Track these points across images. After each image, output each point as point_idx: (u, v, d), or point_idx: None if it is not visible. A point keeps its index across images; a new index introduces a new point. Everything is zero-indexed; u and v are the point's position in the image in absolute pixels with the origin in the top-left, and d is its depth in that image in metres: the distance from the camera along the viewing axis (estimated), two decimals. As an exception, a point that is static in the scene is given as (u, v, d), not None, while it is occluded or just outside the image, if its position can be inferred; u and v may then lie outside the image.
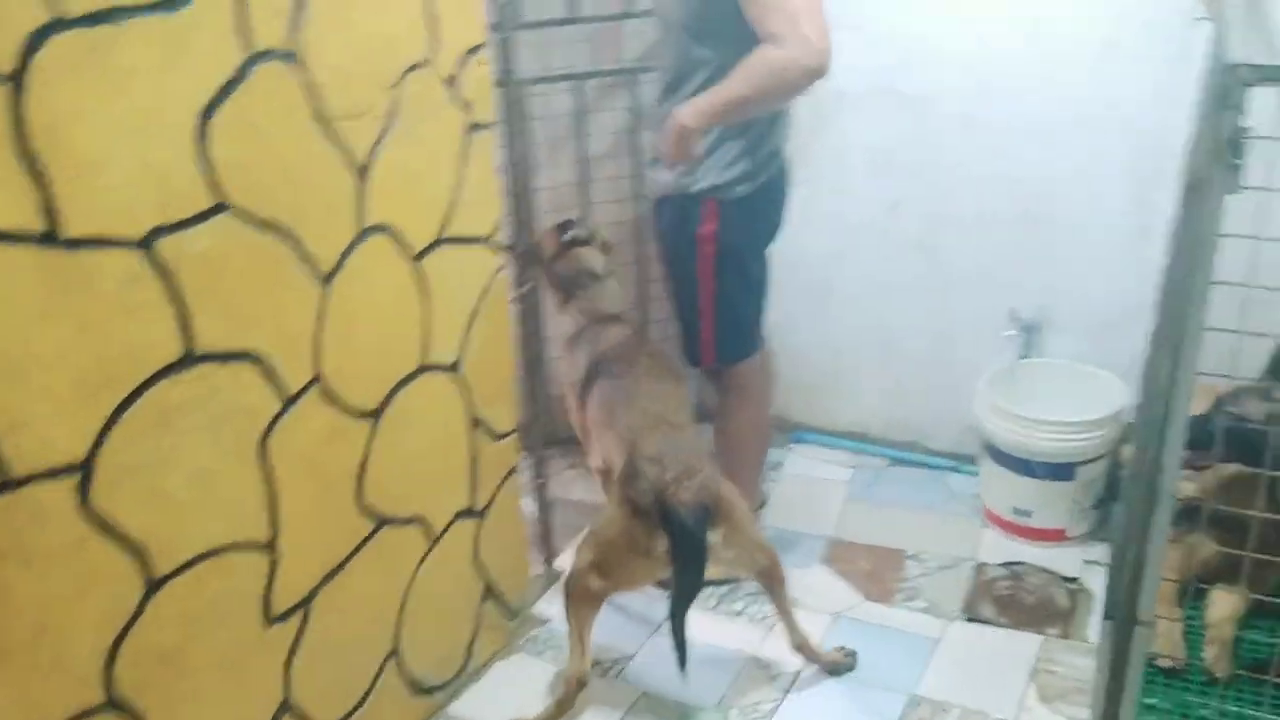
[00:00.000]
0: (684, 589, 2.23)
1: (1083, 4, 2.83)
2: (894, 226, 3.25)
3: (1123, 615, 1.75)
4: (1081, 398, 2.98)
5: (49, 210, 1.41)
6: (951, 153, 3.10)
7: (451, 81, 2.16)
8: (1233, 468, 2.21)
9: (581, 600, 2.34)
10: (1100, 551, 2.94)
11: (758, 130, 2.53)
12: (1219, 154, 1.39)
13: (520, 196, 2.69)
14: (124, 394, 1.55)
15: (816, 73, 2.28)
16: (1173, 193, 2.83)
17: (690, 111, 2.42)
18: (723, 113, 2.41)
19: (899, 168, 3.19)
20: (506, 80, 2.53)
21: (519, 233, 2.72)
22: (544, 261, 2.84)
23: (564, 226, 2.86)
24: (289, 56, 1.74)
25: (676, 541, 2.19)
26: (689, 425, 2.45)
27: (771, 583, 2.44)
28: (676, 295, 2.76)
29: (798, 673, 2.54)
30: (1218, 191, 1.42)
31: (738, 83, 2.34)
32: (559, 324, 2.82)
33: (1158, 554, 1.62)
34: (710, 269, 2.62)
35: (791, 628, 2.48)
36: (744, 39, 2.31)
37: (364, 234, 1.99)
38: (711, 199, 2.55)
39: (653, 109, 2.66)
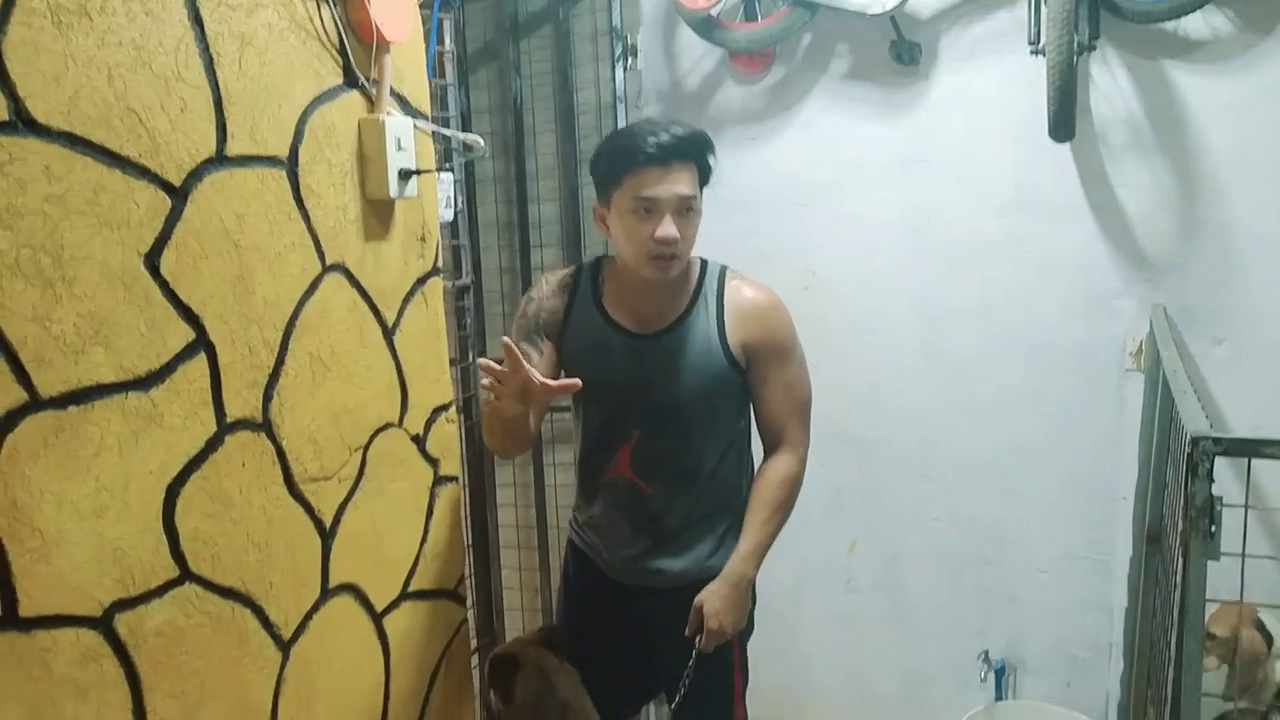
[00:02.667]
0: None
1: (1023, 359, 2.98)
2: (853, 564, 3.26)
3: None
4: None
5: (6, 590, 1.37)
6: (904, 493, 3.16)
7: (419, 440, 2.20)
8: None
9: None
10: None
11: None
12: (1195, 523, 1.43)
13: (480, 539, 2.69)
14: (67, 785, 1.47)
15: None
16: (1126, 533, 2.91)
17: (753, 565, 2.25)
18: (769, 547, 2.30)
19: (854, 507, 3.24)
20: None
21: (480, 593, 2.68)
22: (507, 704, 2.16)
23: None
24: (261, 426, 1.77)
25: None
26: None
27: None
28: (705, 696, 2.30)
29: None
30: (1198, 559, 1.45)
31: (781, 510, 2.28)
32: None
33: None
34: (740, 659, 2.38)
35: None
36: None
37: (328, 595, 1.96)
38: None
39: (660, 502, 2.29)
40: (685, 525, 2.30)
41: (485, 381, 1.97)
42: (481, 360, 2.00)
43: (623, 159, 2.15)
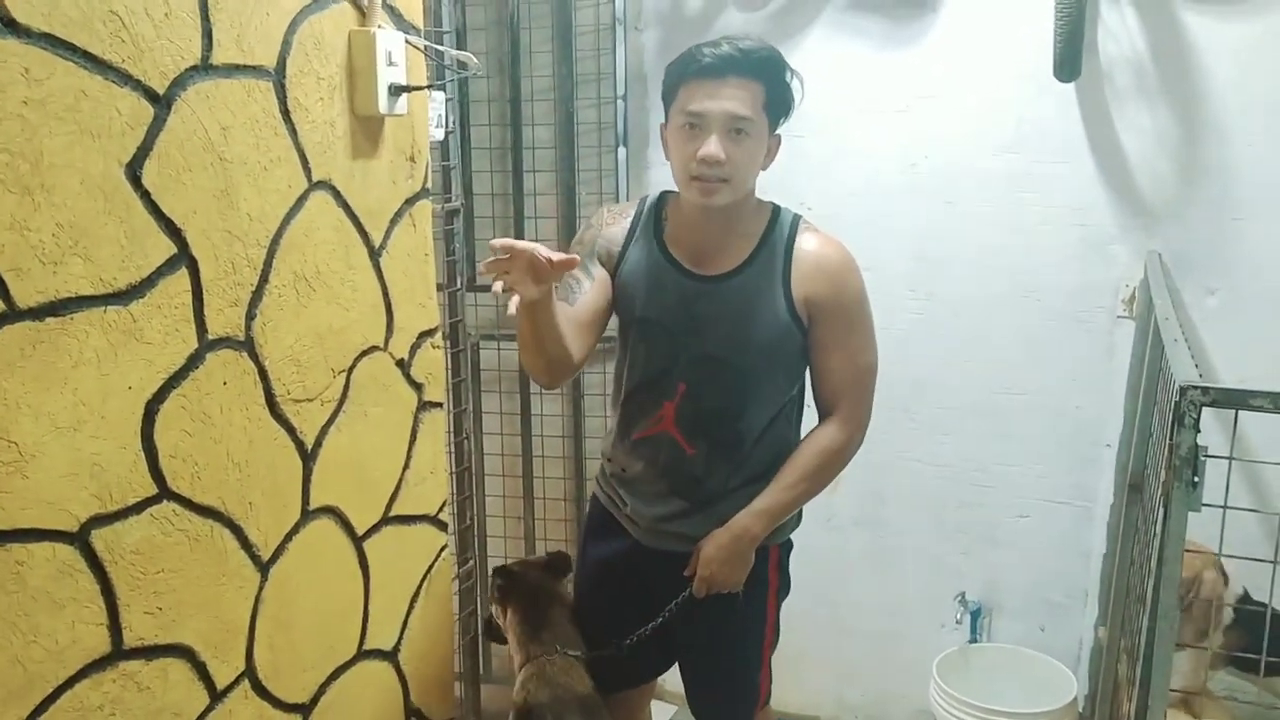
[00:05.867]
0: None
1: (1015, 301, 2.96)
2: (835, 501, 3.25)
3: None
4: (1032, 686, 2.94)
5: (-19, 502, 1.36)
6: (890, 433, 3.14)
7: (403, 364, 2.17)
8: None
9: None
10: None
11: None
12: (1178, 473, 1.42)
13: (467, 468, 2.68)
14: (42, 697, 1.45)
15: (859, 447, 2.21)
16: (1109, 480, 2.92)
17: (761, 524, 2.14)
18: (787, 514, 2.20)
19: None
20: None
21: (462, 511, 2.68)
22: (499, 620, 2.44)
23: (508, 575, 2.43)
24: (243, 345, 1.74)
25: None
26: None
27: None
28: (732, 654, 2.32)
29: None
30: (1179, 510, 1.44)
31: (810, 480, 2.15)
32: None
33: None
34: (774, 619, 2.33)
35: None
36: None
37: (308, 517, 1.94)
38: (776, 546, 2.28)
39: (701, 465, 2.19)
40: (725, 491, 2.17)
41: (495, 278, 1.81)
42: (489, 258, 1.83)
43: (678, 70, 2.04)
